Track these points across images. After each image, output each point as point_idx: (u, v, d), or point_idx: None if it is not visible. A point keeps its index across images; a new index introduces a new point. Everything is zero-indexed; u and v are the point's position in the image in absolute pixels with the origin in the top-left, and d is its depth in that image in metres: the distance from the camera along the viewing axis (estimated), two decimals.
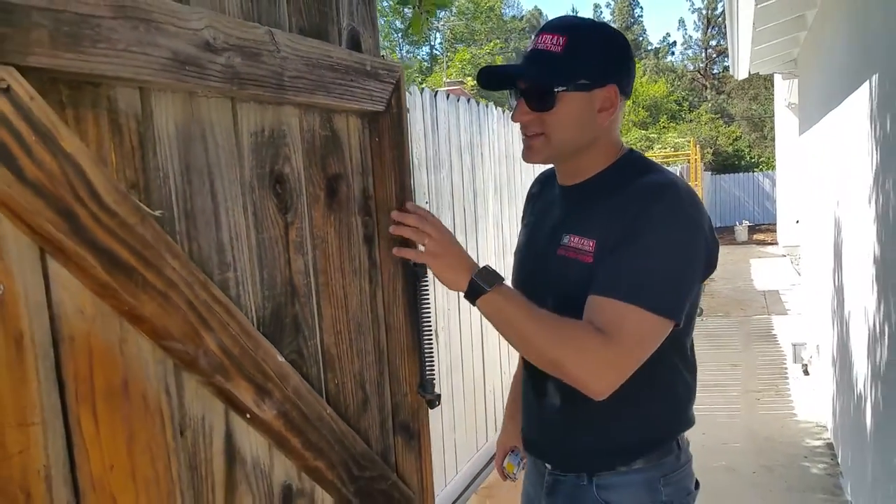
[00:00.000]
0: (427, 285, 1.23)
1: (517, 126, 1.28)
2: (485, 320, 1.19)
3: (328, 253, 1.04)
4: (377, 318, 1.16)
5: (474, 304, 1.16)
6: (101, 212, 0.65)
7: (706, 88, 32.98)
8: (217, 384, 0.81)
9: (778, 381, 5.20)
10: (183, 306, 0.75)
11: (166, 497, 0.75)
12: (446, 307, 3.17)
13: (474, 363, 3.54)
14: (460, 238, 3.38)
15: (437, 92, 3.22)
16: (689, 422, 1.28)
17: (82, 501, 0.66)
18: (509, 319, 1.14)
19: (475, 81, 1.26)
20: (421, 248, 1.17)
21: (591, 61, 1.16)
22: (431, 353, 1.25)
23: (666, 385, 1.23)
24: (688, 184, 1.21)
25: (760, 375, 5.40)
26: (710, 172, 20.91)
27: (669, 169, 1.33)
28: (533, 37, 1.22)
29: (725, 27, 5.82)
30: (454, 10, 27.40)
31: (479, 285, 1.14)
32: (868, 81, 2.69)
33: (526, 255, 1.35)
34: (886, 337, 2.41)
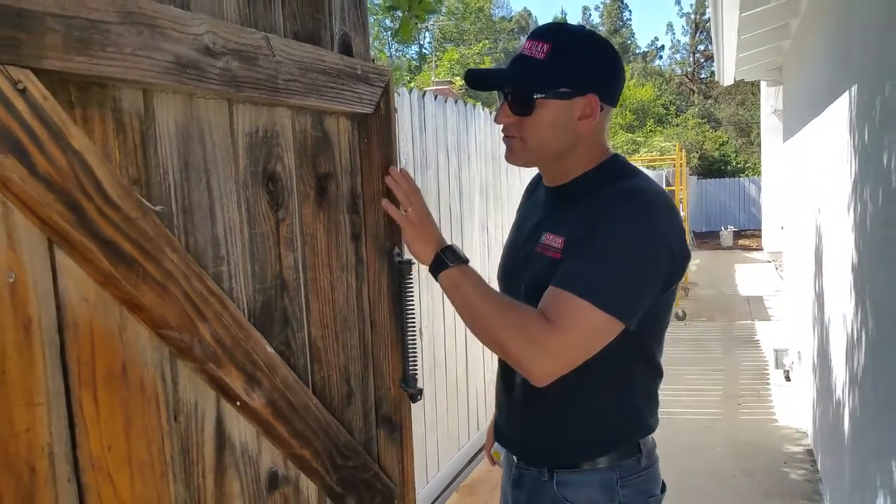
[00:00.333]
0: (411, 283, 1.28)
1: None
2: None
3: (317, 249, 1.08)
4: (363, 313, 1.21)
5: (436, 279, 1.22)
6: (106, 206, 0.69)
7: (693, 93, 33.26)
8: (210, 372, 0.85)
9: (759, 386, 5.27)
10: (180, 297, 0.79)
11: (159, 478, 0.80)
12: (431, 308, 3.21)
13: (457, 363, 3.58)
14: (446, 236, 3.42)
15: (425, 93, 3.26)
16: (649, 427, 1.30)
17: (82, 478, 0.70)
18: (466, 297, 1.19)
19: (463, 81, 1.30)
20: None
21: (573, 70, 1.19)
22: (414, 348, 1.29)
23: (625, 387, 1.26)
24: (664, 192, 1.24)
25: (742, 381, 5.46)
26: (695, 177, 21.08)
27: (649, 175, 1.36)
28: (522, 40, 1.26)
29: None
30: (444, 9, 27.45)
31: (443, 260, 1.21)
32: (848, 92, 2.75)
33: (509, 251, 1.40)
34: (863, 344, 2.47)
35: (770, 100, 10.40)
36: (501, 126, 1.26)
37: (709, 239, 17.76)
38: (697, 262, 13.23)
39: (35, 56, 0.61)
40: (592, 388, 1.21)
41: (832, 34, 3.25)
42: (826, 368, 3.35)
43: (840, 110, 2.93)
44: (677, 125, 26.17)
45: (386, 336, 1.25)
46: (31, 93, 0.61)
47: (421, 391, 1.30)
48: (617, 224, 1.15)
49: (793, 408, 4.70)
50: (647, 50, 42.43)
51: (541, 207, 1.34)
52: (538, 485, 1.30)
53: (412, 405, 1.33)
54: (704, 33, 33.17)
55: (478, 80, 1.26)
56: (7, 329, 0.62)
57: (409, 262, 1.27)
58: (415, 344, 1.30)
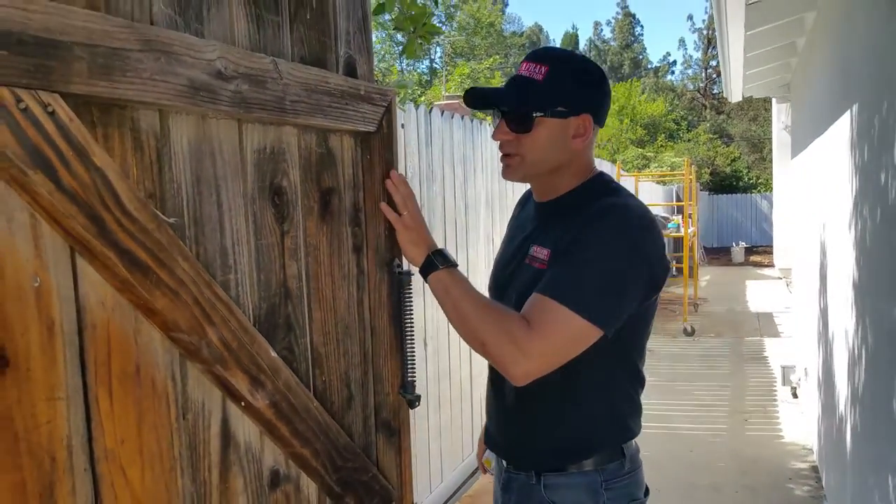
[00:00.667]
0: (411, 293, 1.34)
1: None
2: None
3: (320, 260, 1.14)
4: (363, 321, 1.27)
5: (426, 280, 1.29)
6: (124, 217, 0.75)
7: (706, 108, 33.26)
8: (217, 373, 0.91)
9: (766, 403, 5.27)
10: (190, 303, 0.85)
11: (168, 472, 0.85)
12: (436, 319, 3.26)
13: (461, 373, 3.63)
14: (451, 248, 3.48)
15: (431, 108, 3.34)
16: (631, 432, 1.36)
17: (97, 468, 0.76)
18: (453, 298, 1.25)
19: (462, 101, 1.37)
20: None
21: (568, 91, 1.27)
22: (413, 356, 1.35)
23: (608, 394, 1.32)
24: (645, 208, 1.31)
25: (749, 397, 5.46)
26: (706, 192, 21.06)
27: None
28: (519, 62, 1.33)
29: None
30: (455, 24, 27.64)
31: (433, 262, 1.28)
32: (849, 111, 2.80)
33: (499, 264, 1.47)
34: (863, 360, 2.50)
35: (781, 116, 10.43)
36: (499, 143, 1.32)
37: (720, 255, 17.70)
38: (707, 277, 13.21)
39: (63, 81, 0.68)
40: (578, 394, 1.26)
41: (834, 54, 3.29)
42: (830, 384, 3.37)
43: (842, 129, 2.97)
44: (688, 140, 26.16)
45: (385, 344, 1.31)
46: (58, 115, 0.68)
47: (419, 397, 1.35)
48: (599, 236, 1.21)
49: (799, 424, 4.70)
50: (658, 65, 42.54)
51: (530, 222, 1.41)
52: (526, 488, 1.35)
53: (415, 415, 1.38)
54: (717, 49, 33.19)
55: (477, 100, 1.33)
56: (32, 329, 0.69)
57: (409, 274, 1.33)
58: (413, 352, 1.35)
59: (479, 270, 3.79)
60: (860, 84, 2.61)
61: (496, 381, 1.41)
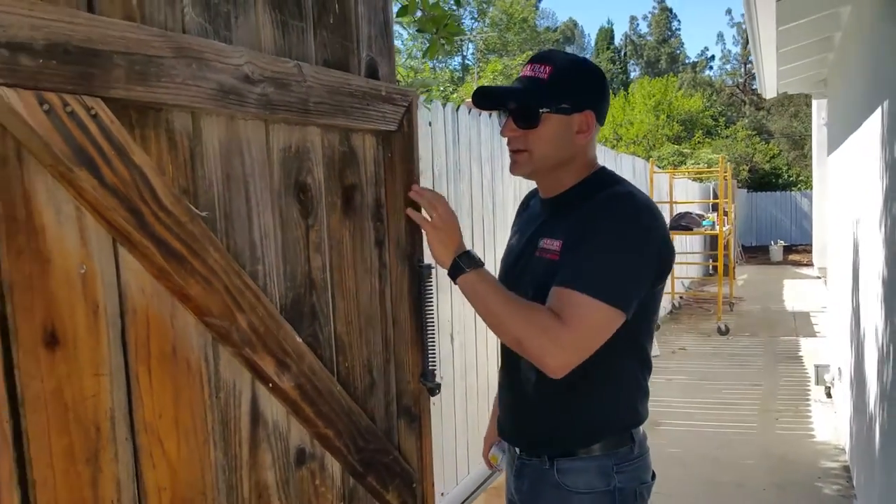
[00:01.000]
0: (431, 285, 1.40)
1: None
2: None
3: (343, 253, 1.21)
4: (385, 312, 1.33)
5: (455, 282, 1.34)
6: (161, 211, 0.82)
7: (745, 104, 32.66)
8: (246, 356, 0.98)
9: (799, 402, 5.21)
10: (221, 290, 0.92)
11: (202, 444, 0.93)
12: (463, 314, 3.32)
13: (489, 366, 3.67)
14: (478, 246, 3.53)
15: (459, 106, 3.39)
16: (639, 417, 1.41)
17: (137, 439, 0.83)
18: (483, 299, 1.30)
19: (471, 100, 1.43)
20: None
21: (572, 89, 1.33)
22: (433, 346, 1.41)
23: (617, 378, 1.37)
24: (647, 196, 1.36)
25: (782, 396, 5.40)
26: (745, 189, 20.69)
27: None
28: (523, 65, 1.39)
29: None
30: (487, 20, 27.56)
31: (460, 265, 1.32)
32: (881, 107, 2.77)
33: (507, 260, 1.52)
34: (891, 359, 2.49)
35: (821, 112, 10.22)
36: (506, 140, 1.39)
37: (758, 254, 17.40)
38: (745, 276, 13.02)
39: (104, 87, 0.75)
40: (588, 381, 1.31)
41: (867, 48, 3.25)
42: (861, 383, 3.34)
43: (873, 125, 2.94)
44: (726, 137, 25.71)
45: (406, 334, 1.37)
46: (101, 117, 0.75)
47: (439, 385, 1.41)
48: (609, 224, 1.27)
49: (832, 424, 4.64)
50: (696, 60, 41.85)
51: (536, 219, 1.46)
52: (539, 473, 1.40)
53: (442, 408, 1.44)
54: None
55: (485, 99, 1.39)
56: (79, 312, 0.76)
57: (430, 267, 1.39)
58: (433, 342, 1.41)
59: None
60: (891, 79, 2.58)
61: (509, 374, 1.47)
